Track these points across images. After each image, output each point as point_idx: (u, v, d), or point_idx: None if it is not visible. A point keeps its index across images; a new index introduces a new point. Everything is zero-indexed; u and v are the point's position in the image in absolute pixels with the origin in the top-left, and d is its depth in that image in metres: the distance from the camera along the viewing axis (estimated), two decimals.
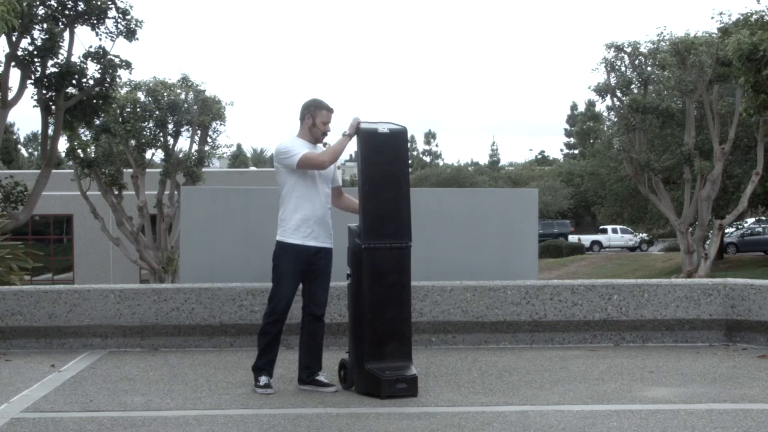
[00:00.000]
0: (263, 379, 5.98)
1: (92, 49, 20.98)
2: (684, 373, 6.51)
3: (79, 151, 26.42)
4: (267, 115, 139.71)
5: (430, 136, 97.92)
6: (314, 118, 6.07)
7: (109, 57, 20.87)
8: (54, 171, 23.04)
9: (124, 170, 27.28)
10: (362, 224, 5.88)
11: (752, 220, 46.42)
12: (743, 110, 20.46)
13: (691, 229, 31.04)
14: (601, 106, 65.45)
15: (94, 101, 21.17)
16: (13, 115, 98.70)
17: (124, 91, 26.55)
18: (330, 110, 6.13)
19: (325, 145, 6.17)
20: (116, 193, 27.08)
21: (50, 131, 21.04)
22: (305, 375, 6.06)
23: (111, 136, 26.35)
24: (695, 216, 30.17)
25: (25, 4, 18.03)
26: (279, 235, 6.03)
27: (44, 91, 20.30)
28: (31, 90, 20.22)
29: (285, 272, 5.98)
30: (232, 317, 7.53)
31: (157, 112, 26.94)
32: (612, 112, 32.88)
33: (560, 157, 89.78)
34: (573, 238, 56.70)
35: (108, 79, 20.97)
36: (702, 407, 5.50)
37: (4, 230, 15.89)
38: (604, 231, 57.10)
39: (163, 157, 28.50)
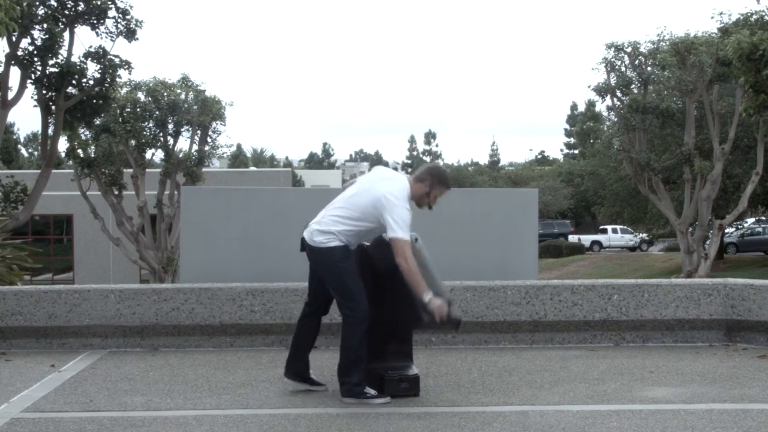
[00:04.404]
0: (372, 391, 5.67)
1: (92, 49, 21.02)
2: (684, 373, 6.50)
3: (79, 151, 26.46)
4: (267, 115, 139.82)
5: (430, 136, 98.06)
6: (431, 189, 5.78)
7: (109, 57, 20.91)
8: (54, 171, 23.06)
9: (124, 170, 27.31)
10: None
11: (752, 220, 46.48)
12: (743, 110, 20.45)
13: (691, 229, 31.04)
14: (601, 106, 65.70)
15: (94, 101, 21.19)
16: (13, 115, 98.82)
17: (124, 91, 26.58)
18: (449, 188, 5.89)
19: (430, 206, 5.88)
20: (116, 193, 27.10)
21: (50, 131, 21.05)
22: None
23: (111, 136, 26.39)
24: (695, 216, 30.17)
25: (25, 4, 18.03)
26: (336, 240, 5.65)
27: (44, 91, 20.31)
28: (31, 90, 20.26)
29: (353, 272, 5.66)
30: (232, 317, 7.53)
31: (157, 112, 26.98)
32: (612, 112, 32.91)
33: (560, 157, 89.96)
34: (573, 238, 56.78)
35: (108, 79, 20.99)
36: (702, 407, 5.50)
37: (4, 230, 15.88)
38: (604, 231, 57.19)
39: (163, 157, 28.56)
